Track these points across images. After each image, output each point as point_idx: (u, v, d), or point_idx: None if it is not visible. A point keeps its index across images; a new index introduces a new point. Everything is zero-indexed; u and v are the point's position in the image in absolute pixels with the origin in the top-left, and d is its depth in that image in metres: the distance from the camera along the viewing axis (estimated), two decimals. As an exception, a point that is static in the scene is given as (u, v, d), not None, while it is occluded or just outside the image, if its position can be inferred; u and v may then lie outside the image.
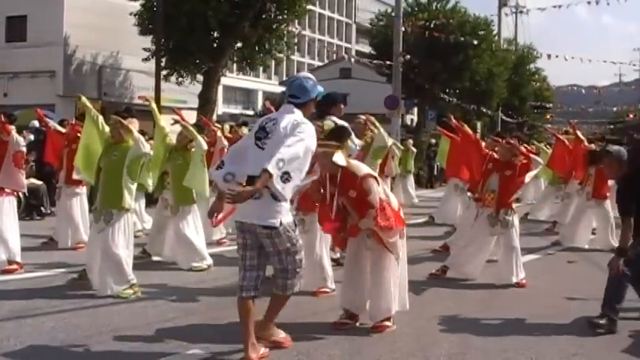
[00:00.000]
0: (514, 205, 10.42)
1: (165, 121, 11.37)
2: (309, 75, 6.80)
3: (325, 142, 7.06)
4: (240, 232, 6.44)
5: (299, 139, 6.09)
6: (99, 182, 9.15)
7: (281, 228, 6.20)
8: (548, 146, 18.55)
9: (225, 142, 13.28)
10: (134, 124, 9.03)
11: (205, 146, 11.13)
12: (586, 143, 15.52)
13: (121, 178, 8.80)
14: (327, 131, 7.32)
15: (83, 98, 10.22)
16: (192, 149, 10.94)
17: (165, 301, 8.61)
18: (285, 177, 5.93)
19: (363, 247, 7.54)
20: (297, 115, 6.41)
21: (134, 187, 9.06)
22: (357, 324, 7.58)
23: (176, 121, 11.06)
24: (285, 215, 6.27)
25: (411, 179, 24.56)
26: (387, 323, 7.44)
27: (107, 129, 9.56)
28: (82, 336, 6.97)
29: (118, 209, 8.78)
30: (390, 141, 12.27)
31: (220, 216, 6.80)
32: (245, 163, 6.36)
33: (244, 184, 6.22)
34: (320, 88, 6.70)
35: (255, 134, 6.43)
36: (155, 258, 11.15)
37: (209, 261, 10.84)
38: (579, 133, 16.18)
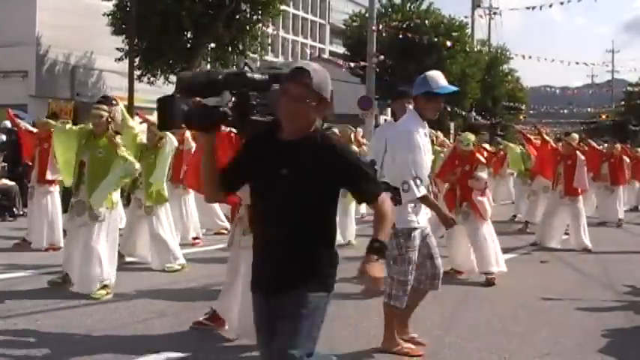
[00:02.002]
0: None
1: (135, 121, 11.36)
2: (430, 73, 6.64)
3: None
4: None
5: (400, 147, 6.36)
6: (79, 176, 9.02)
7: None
8: (522, 146, 18.77)
9: (193, 144, 13.21)
10: (117, 112, 9.01)
11: (176, 142, 11.11)
12: (552, 143, 15.52)
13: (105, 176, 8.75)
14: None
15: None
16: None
17: (137, 302, 8.55)
18: (404, 186, 6.22)
19: (237, 247, 6.99)
20: (409, 113, 6.69)
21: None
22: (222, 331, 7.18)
23: (143, 120, 11.06)
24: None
25: (385, 179, 24.55)
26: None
27: (75, 127, 9.54)
28: (54, 338, 6.91)
29: (105, 207, 8.76)
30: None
31: None
32: None
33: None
34: (430, 87, 6.43)
35: None
36: (128, 258, 11.08)
37: (182, 261, 10.79)
38: (544, 135, 16.24)
